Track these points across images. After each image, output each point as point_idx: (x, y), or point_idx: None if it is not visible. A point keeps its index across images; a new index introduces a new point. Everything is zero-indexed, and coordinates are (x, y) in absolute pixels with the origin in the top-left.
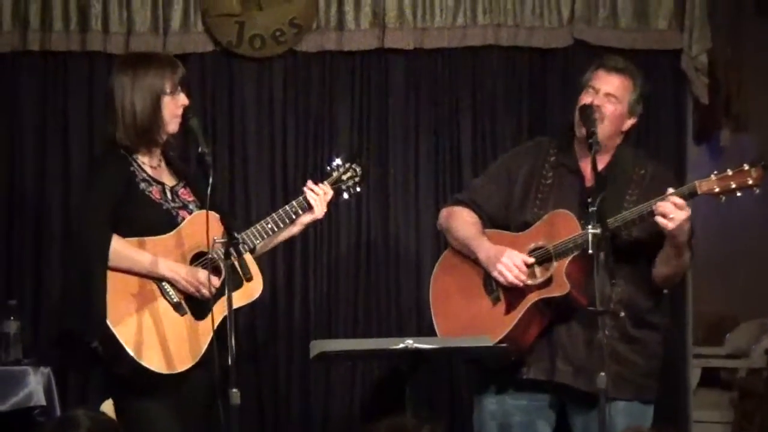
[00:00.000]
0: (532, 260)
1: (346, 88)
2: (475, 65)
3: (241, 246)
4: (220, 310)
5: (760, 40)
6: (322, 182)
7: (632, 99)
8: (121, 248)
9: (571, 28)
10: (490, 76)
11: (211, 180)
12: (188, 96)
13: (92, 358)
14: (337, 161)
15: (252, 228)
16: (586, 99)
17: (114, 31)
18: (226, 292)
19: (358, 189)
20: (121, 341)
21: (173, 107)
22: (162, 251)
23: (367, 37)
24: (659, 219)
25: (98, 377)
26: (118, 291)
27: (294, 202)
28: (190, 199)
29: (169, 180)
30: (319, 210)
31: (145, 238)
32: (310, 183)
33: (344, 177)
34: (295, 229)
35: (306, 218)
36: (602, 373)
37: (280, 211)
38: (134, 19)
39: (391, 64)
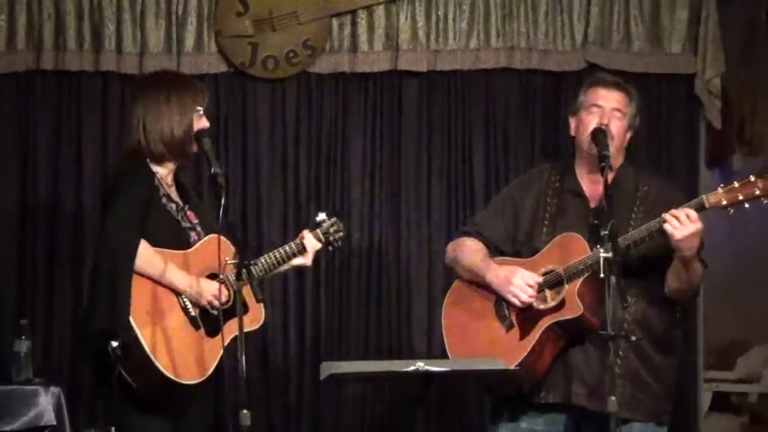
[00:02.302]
0: (541, 279)
1: (359, 109)
2: (488, 88)
3: (252, 268)
4: (228, 331)
5: None
6: (313, 231)
7: (632, 113)
8: (146, 253)
9: (584, 51)
10: (503, 98)
11: (223, 201)
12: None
13: (107, 369)
14: (323, 215)
15: (254, 261)
16: (590, 119)
17: (127, 52)
18: (237, 313)
19: (340, 244)
20: (145, 345)
21: (196, 128)
22: (177, 266)
23: (380, 59)
24: (666, 226)
25: (104, 399)
26: (141, 296)
27: (293, 244)
28: (196, 221)
29: (179, 200)
30: (311, 258)
31: (162, 250)
32: (306, 231)
33: (331, 230)
34: (283, 268)
35: (297, 261)
36: (612, 397)
37: (280, 249)
38: (148, 39)
39: (404, 86)
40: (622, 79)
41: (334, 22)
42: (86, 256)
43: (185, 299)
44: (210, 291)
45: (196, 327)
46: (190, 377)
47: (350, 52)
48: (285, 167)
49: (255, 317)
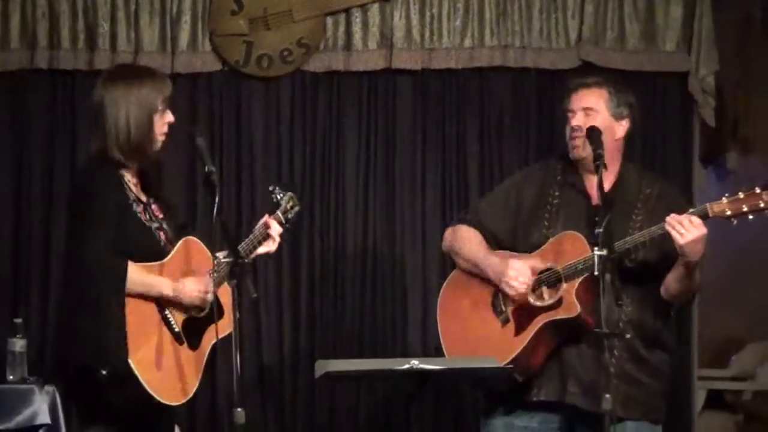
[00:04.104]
0: (540, 266)
1: (354, 108)
2: (482, 86)
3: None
4: (208, 340)
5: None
6: (274, 213)
7: (612, 105)
8: (136, 275)
9: (578, 49)
10: (498, 97)
11: (217, 199)
12: (173, 113)
13: (92, 385)
14: (279, 193)
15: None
16: (569, 124)
17: (122, 50)
18: (233, 310)
19: (295, 218)
20: (136, 371)
21: (161, 125)
22: (166, 277)
23: (374, 57)
24: (671, 230)
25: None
26: (129, 318)
27: (256, 232)
28: (161, 216)
29: (143, 196)
30: (275, 245)
31: (149, 264)
32: (268, 217)
33: (288, 206)
34: (249, 259)
35: (261, 250)
36: (607, 395)
37: (246, 241)
38: (142, 38)
39: (398, 84)
40: (597, 76)
41: (329, 20)
42: None
43: (168, 315)
44: (202, 289)
45: (180, 342)
46: (177, 398)
47: (344, 51)
48: (279, 165)
49: (228, 321)
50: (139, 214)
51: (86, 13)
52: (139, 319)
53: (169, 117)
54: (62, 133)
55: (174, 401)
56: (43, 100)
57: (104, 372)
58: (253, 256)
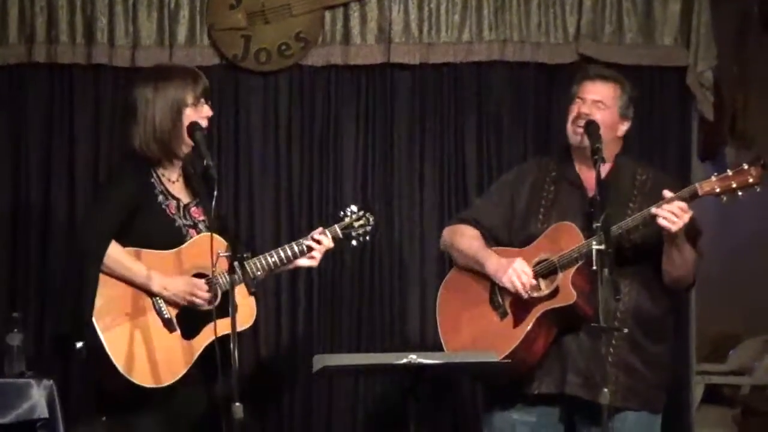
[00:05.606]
0: (534, 259)
1: (352, 102)
2: (480, 80)
3: (246, 264)
4: (208, 333)
5: (766, 58)
6: (330, 226)
7: (621, 104)
8: (117, 255)
9: (576, 44)
10: (496, 91)
11: (215, 193)
12: (212, 108)
13: (85, 366)
14: (353, 207)
15: (255, 259)
16: (574, 109)
17: (120, 44)
18: (230, 307)
19: (368, 238)
20: (107, 349)
21: (196, 119)
22: (161, 266)
23: (372, 52)
24: (662, 222)
25: (92, 392)
26: (112, 299)
27: (301, 242)
28: (201, 218)
29: (184, 196)
30: (316, 261)
31: (147, 250)
32: (316, 233)
33: (356, 224)
34: (288, 267)
35: (302, 262)
36: (605, 390)
37: (286, 248)
38: (140, 32)
39: (396, 78)
40: (613, 71)
41: (327, 14)
42: None
43: (159, 301)
44: (187, 291)
45: (171, 329)
46: (154, 381)
47: (343, 45)
48: (277, 160)
49: (245, 316)
50: (164, 207)
51: (84, 7)
52: (124, 299)
53: (207, 111)
54: (60, 126)
55: (147, 383)
56: (41, 95)
57: (78, 345)
58: (292, 266)
